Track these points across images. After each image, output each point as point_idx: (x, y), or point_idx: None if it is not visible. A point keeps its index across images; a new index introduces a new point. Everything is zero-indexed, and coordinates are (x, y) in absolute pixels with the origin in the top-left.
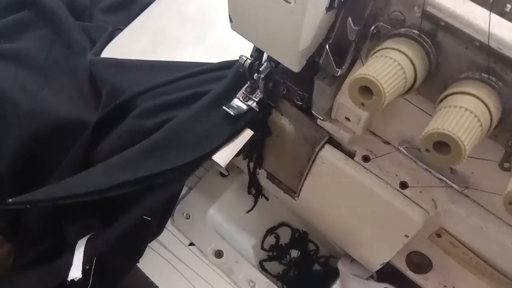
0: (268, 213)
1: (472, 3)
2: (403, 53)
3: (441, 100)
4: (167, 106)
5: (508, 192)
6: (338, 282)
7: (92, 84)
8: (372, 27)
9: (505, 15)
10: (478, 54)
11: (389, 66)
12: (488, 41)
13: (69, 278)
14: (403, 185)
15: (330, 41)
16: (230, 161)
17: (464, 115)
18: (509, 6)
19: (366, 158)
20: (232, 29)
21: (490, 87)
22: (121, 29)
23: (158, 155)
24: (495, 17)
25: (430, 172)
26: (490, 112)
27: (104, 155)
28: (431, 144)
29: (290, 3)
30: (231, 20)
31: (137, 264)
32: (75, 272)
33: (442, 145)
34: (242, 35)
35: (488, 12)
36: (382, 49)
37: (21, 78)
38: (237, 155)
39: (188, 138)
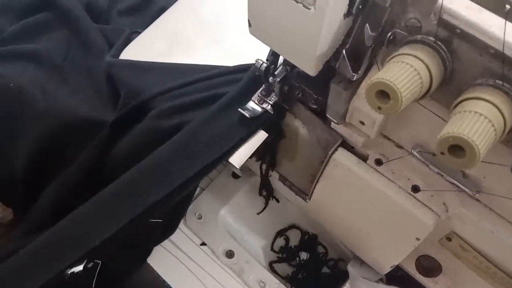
0: (279, 215)
1: (487, 12)
2: (420, 59)
3: (456, 105)
4: (184, 107)
5: None
6: (347, 284)
7: (110, 85)
8: (389, 34)
9: None
10: (492, 61)
11: (406, 71)
12: (503, 49)
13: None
14: (415, 189)
15: (347, 46)
16: (244, 163)
17: (478, 120)
18: None
19: (379, 162)
20: (251, 33)
21: (504, 93)
22: (138, 32)
23: (175, 164)
24: (510, 26)
25: (442, 176)
26: (504, 117)
27: (121, 156)
28: (446, 147)
29: (309, 9)
30: (250, 25)
31: (149, 262)
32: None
33: (457, 148)
34: (260, 40)
35: (504, 20)
36: (399, 54)
37: (39, 77)
38: (250, 157)
39: (204, 141)
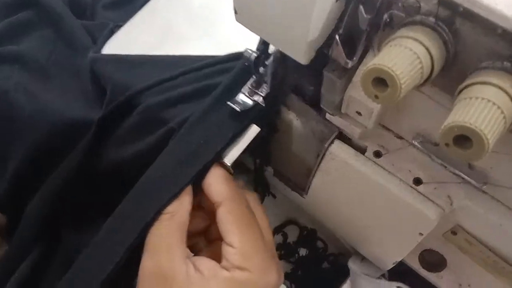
0: (275, 211)
1: None
2: (419, 41)
3: (460, 92)
4: (174, 101)
5: None
6: (348, 281)
7: (95, 82)
8: (385, 15)
9: None
10: (499, 42)
11: (404, 55)
12: None
13: None
14: (417, 181)
15: (340, 31)
16: (236, 158)
17: (486, 106)
18: None
19: (377, 154)
20: (237, 21)
21: None
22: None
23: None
24: None
25: (446, 167)
26: None
27: (110, 155)
28: (451, 138)
29: None
30: (236, 12)
31: None
32: None
33: (463, 139)
34: (247, 27)
35: None
36: (397, 37)
37: (24, 80)
38: (243, 152)
39: (195, 145)
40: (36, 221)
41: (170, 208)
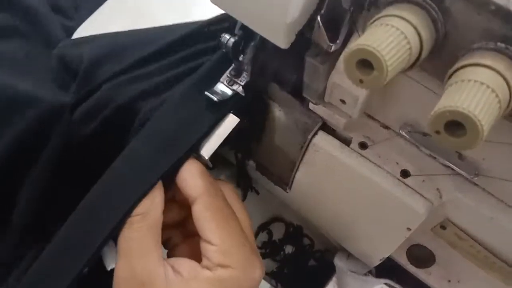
0: (260, 207)
1: None
2: (407, 20)
3: (452, 75)
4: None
5: None
6: (334, 278)
7: (66, 69)
8: None
9: None
10: (493, 21)
11: (391, 35)
12: (508, 4)
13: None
14: (405, 173)
15: (322, 11)
16: (216, 152)
17: (479, 90)
18: None
19: (363, 145)
20: (212, 2)
21: (508, 57)
22: None
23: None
24: None
25: (435, 158)
26: (509, 86)
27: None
28: (442, 125)
29: None
30: None
31: None
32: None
33: (455, 126)
34: (222, 9)
35: None
36: (382, 16)
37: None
38: (223, 145)
39: (169, 136)
40: (25, 220)
41: (141, 208)
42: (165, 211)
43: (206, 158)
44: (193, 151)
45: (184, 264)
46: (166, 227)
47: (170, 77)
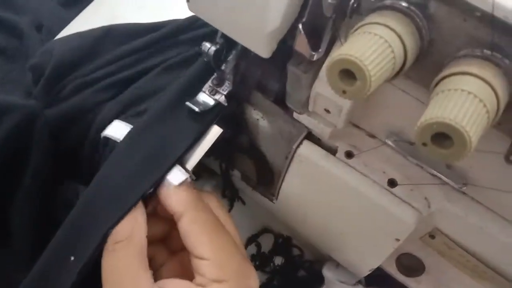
0: (247, 219)
1: None
2: (390, 28)
3: (438, 83)
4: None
5: None
6: None
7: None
8: (352, 0)
9: None
10: (479, 27)
11: (374, 43)
12: (493, 10)
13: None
14: (392, 183)
15: (304, 19)
16: (201, 162)
17: (467, 99)
18: None
19: (349, 154)
20: (190, 10)
21: (495, 65)
22: None
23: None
24: None
25: (423, 168)
26: (496, 95)
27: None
28: (429, 136)
29: None
30: (187, 0)
31: None
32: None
33: (442, 137)
34: (201, 17)
35: None
36: (365, 24)
37: None
38: (207, 155)
39: (143, 157)
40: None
41: (124, 233)
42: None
43: (189, 170)
44: (175, 165)
45: (177, 285)
46: (148, 243)
47: (152, 88)
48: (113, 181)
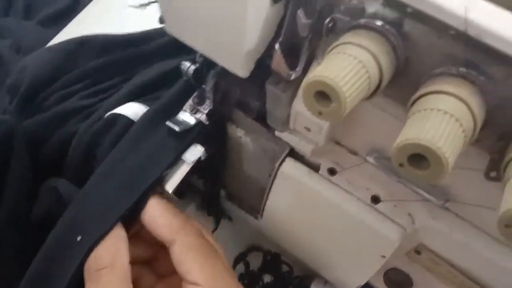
0: (235, 236)
1: None
2: (365, 48)
3: (414, 103)
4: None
5: (503, 213)
6: None
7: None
8: (327, 20)
9: None
10: (454, 45)
11: (348, 64)
12: (466, 28)
13: None
14: (375, 199)
15: (280, 39)
16: (185, 180)
17: (443, 120)
18: None
19: (332, 171)
20: (166, 31)
21: (470, 83)
22: None
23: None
24: None
25: (405, 184)
26: (473, 113)
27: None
28: (405, 157)
29: None
30: (162, 21)
31: None
32: None
33: (419, 157)
34: (178, 37)
35: None
36: (340, 44)
37: None
38: (191, 174)
39: (122, 178)
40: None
41: (106, 259)
42: (129, 248)
43: (170, 192)
44: (157, 186)
45: None
46: (133, 264)
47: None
48: (92, 204)
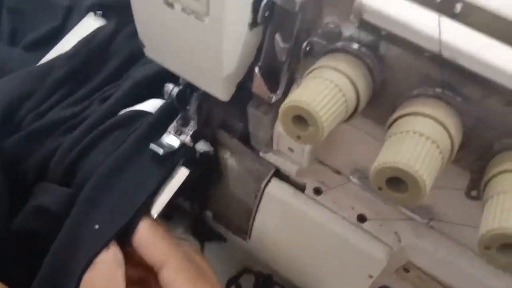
0: (227, 259)
1: (416, 6)
2: (341, 72)
3: (391, 124)
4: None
5: (482, 235)
6: None
7: None
8: (305, 44)
9: (455, 17)
10: (429, 67)
11: (325, 88)
12: (440, 50)
13: None
14: (361, 218)
15: (260, 63)
16: (172, 202)
17: (419, 142)
18: (459, 6)
19: (317, 191)
20: (146, 55)
21: (446, 103)
22: None
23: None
24: (445, 21)
25: (389, 203)
26: (450, 134)
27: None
28: (383, 181)
29: (203, 21)
30: (143, 45)
31: None
32: None
33: (397, 180)
34: (158, 61)
35: (437, 15)
36: (317, 68)
37: None
38: (177, 196)
39: (109, 202)
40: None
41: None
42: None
43: (155, 216)
44: (144, 210)
45: None
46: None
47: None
48: (80, 231)
